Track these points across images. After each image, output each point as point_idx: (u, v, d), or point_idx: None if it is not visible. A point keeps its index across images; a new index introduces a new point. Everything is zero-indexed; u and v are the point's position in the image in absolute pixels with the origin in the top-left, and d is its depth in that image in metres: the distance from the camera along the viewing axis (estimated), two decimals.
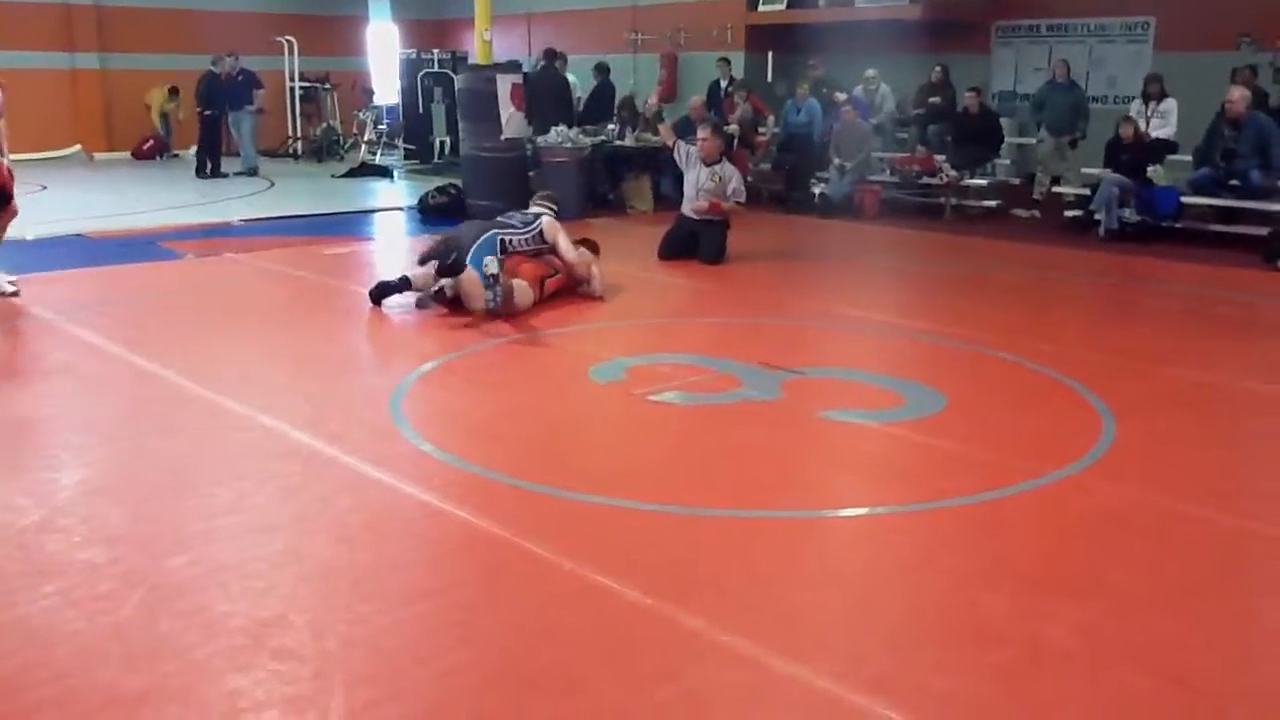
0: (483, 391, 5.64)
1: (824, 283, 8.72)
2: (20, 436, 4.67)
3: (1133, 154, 10.65)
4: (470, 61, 13.23)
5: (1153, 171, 10.58)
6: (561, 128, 12.42)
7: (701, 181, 9.11)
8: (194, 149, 16.19)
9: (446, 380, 5.74)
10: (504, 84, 11.11)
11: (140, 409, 5.10)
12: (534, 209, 7.79)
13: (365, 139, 18.51)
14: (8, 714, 2.63)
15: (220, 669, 2.81)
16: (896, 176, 12.82)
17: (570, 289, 7.55)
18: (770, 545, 3.66)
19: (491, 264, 6.63)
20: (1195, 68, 11.93)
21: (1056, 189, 12.19)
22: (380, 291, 7.10)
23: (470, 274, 6.70)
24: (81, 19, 18.04)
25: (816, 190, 12.54)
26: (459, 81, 12.21)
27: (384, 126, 18.78)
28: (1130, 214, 10.57)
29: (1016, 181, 13.04)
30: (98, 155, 18.18)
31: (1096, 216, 10.70)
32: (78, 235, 10.12)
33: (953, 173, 12.18)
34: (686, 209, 9.26)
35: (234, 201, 12.87)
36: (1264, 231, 9.67)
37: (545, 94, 13.39)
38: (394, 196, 13.75)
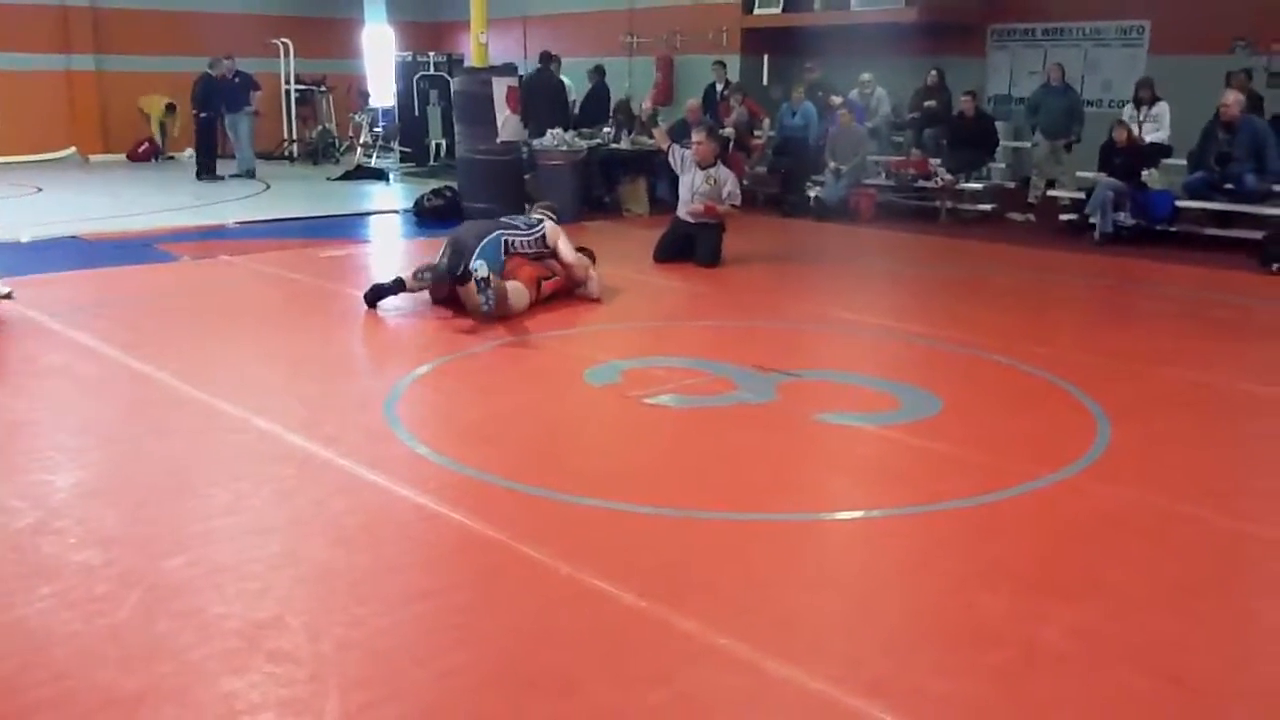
0: (478, 394, 5.65)
1: (819, 286, 8.73)
2: (15, 438, 4.66)
3: (1127, 158, 10.68)
4: (466, 64, 13.23)
5: (1147, 175, 10.60)
6: (557, 131, 12.43)
7: (697, 185, 9.12)
8: (189, 151, 16.18)
9: (442, 383, 5.74)
10: (500, 87, 11.12)
11: (136, 411, 5.10)
12: (535, 215, 7.84)
13: (361, 142, 18.50)
14: (5, 715, 2.63)
15: (216, 671, 2.81)
16: (892, 180, 12.83)
17: (567, 291, 7.56)
18: (766, 548, 3.66)
19: (482, 268, 6.60)
20: (1190, 71, 11.96)
21: (1051, 193, 12.21)
22: (375, 294, 7.11)
23: (470, 287, 6.72)
24: (77, 21, 18.01)
25: (812, 193, 12.55)
26: (455, 84, 12.21)
27: (380, 129, 18.76)
28: (1125, 217, 10.59)
29: (1012, 185, 13.06)
30: (93, 157, 18.15)
31: (1091, 220, 10.72)
32: (73, 237, 10.10)
33: (948, 176, 12.20)
34: (682, 212, 9.27)
35: (230, 204, 12.86)
36: (1259, 235, 9.70)
37: (541, 97, 13.40)
38: (390, 199, 13.74)
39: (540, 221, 7.60)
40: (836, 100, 13.15)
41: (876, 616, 3.22)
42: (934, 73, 13.52)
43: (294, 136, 18.82)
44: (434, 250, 7.77)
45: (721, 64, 14.86)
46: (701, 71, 15.23)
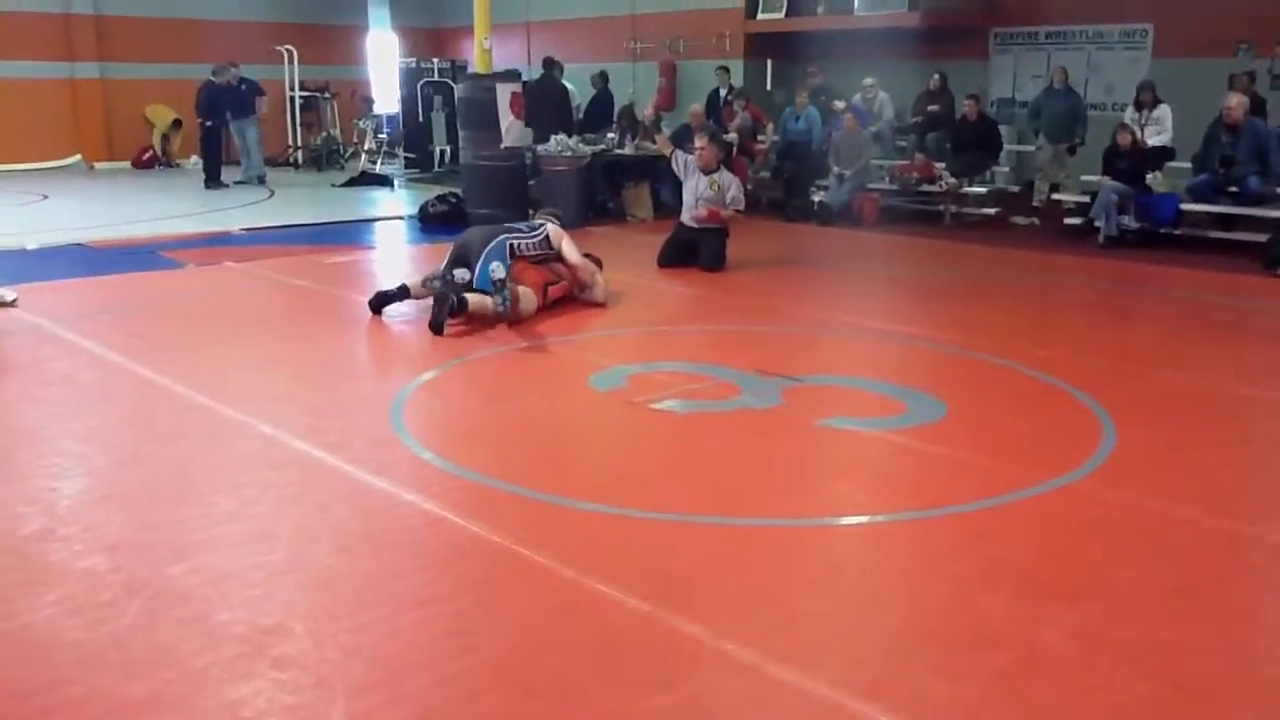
0: (483, 400, 5.66)
1: (823, 290, 8.73)
2: (21, 445, 4.67)
3: (1130, 161, 10.67)
4: (470, 70, 13.25)
5: (1151, 178, 10.60)
6: (561, 136, 12.45)
7: (700, 190, 9.13)
8: (194, 159, 16.21)
9: (446, 388, 5.75)
10: (504, 93, 11.13)
11: (141, 417, 5.11)
12: (537, 220, 7.88)
13: (365, 148, 18.55)
14: None
15: (221, 677, 2.82)
16: (895, 184, 12.82)
17: (573, 296, 7.57)
18: (769, 553, 3.66)
19: (499, 269, 6.67)
20: (1193, 74, 11.96)
21: (1055, 196, 12.21)
22: (379, 301, 7.13)
23: (476, 301, 6.73)
24: (80, 29, 18.07)
25: (816, 198, 12.55)
26: (459, 90, 12.23)
27: (384, 135, 18.82)
28: (1129, 221, 10.59)
29: (1015, 189, 13.06)
30: (98, 165, 18.22)
31: (1096, 223, 10.71)
32: (78, 245, 10.14)
33: (952, 180, 12.20)
34: (686, 217, 9.27)
35: (234, 211, 12.89)
36: (1263, 238, 9.69)
37: (545, 102, 13.42)
38: (394, 205, 13.77)
39: (542, 224, 7.64)
40: (840, 105, 13.18)
41: (879, 620, 3.22)
42: (937, 76, 13.53)
43: (298, 143, 18.86)
44: (439, 256, 7.79)
45: (725, 69, 14.88)
46: (705, 76, 15.26)
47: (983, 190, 12.44)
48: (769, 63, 16.02)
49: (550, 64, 14.60)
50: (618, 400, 5.43)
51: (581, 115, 15.15)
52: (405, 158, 18.03)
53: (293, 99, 18.72)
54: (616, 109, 14.93)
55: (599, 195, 12.60)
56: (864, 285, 9.06)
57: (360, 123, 19.20)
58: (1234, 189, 10.23)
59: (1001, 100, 14.64)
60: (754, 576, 3.44)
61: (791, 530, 3.88)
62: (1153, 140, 11.17)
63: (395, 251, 10.84)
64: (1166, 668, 2.92)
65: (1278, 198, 10.10)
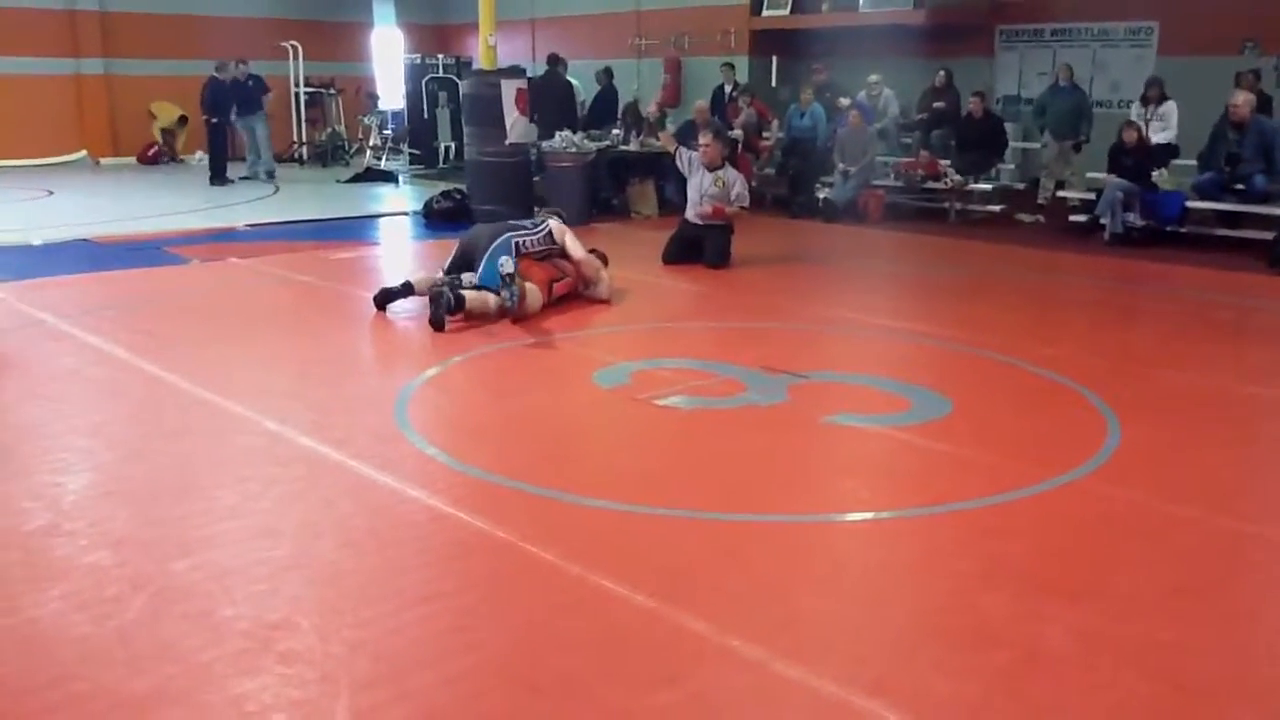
0: (487, 396, 5.66)
1: (828, 287, 8.72)
2: (26, 440, 4.68)
3: (1136, 158, 10.65)
4: (475, 66, 13.25)
5: (1157, 176, 10.58)
6: (566, 133, 12.45)
7: (705, 187, 9.12)
8: (199, 154, 16.22)
9: (451, 384, 5.75)
10: (508, 89, 11.13)
11: (146, 413, 5.12)
12: (539, 217, 7.91)
13: (370, 144, 18.55)
14: (14, 716, 2.65)
15: (226, 672, 2.82)
16: (900, 181, 12.81)
17: (577, 293, 7.58)
18: (774, 549, 3.67)
19: (507, 264, 6.69)
20: (1198, 72, 11.93)
21: (1061, 193, 12.19)
22: (384, 297, 7.14)
23: (474, 299, 6.74)
24: (85, 25, 18.09)
25: (820, 195, 12.54)
26: (463, 86, 12.22)
27: (389, 131, 18.82)
28: (1135, 218, 10.57)
29: (1020, 186, 13.04)
30: (104, 160, 18.24)
31: (1101, 221, 10.69)
32: (84, 240, 10.15)
33: (957, 177, 12.18)
34: (690, 214, 9.27)
35: (240, 207, 12.90)
36: (1268, 235, 9.68)
37: (549, 99, 13.41)
38: (399, 201, 13.78)
39: (544, 220, 7.66)
40: (845, 101, 13.16)
41: (882, 617, 3.22)
42: (942, 74, 13.51)
43: (303, 139, 18.87)
44: (443, 252, 7.80)
45: (730, 65, 14.87)
46: (710, 73, 15.24)
47: (988, 187, 12.43)
48: (774, 59, 15.99)
49: (555, 60, 14.60)
50: (622, 397, 5.43)
51: (586, 112, 15.14)
52: (410, 154, 18.03)
53: (298, 95, 18.73)
54: (621, 105, 14.93)
55: (603, 192, 12.60)
56: (869, 282, 9.05)
57: (365, 119, 19.21)
58: (1240, 187, 10.21)
59: (1007, 97, 14.61)
60: (758, 573, 3.44)
61: (796, 527, 3.88)
62: (1157, 137, 11.14)
63: (400, 248, 10.85)
64: (1168, 667, 2.92)
65: None
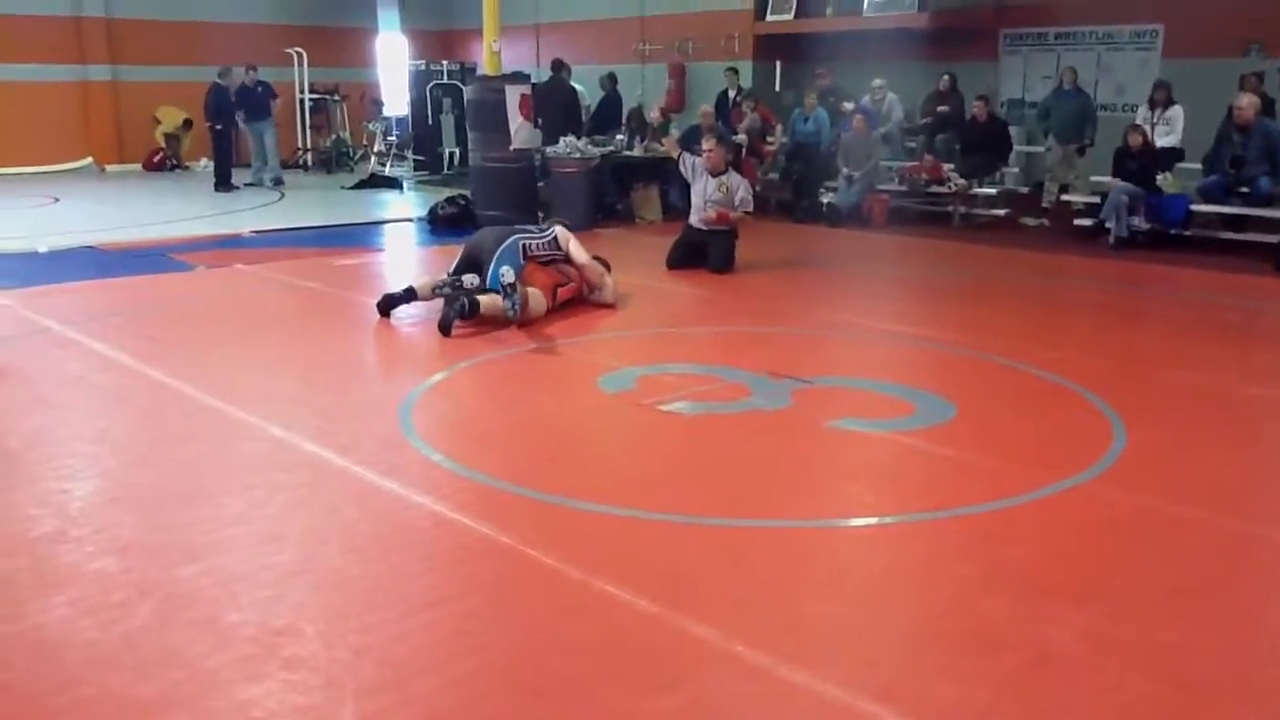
0: (492, 401, 5.67)
1: (832, 291, 8.73)
2: (32, 447, 4.69)
3: (1141, 162, 10.64)
4: (479, 72, 13.28)
5: (1162, 179, 10.57)
6: (570, 138, 12.46)
7: (709, 192, 9.13)
8: (204, 161, 16.24)
9: (455, 390, 5.76)
10: (513, 94, 11.15)
11: (152, 419, 5.13)
12: (545, 223, 7.94)
13: (375, 150, 18.59)
14: None
15: (232, 678, 2.83)
16: (905, 185, 12.81)
17: (582, 298, 7.59)
18: (778, 554, 3.67)
19: (508, 273, 6.70)
20: (1203, 75, 11.91)
21: (1065, 197, 12.18)
22: (387, 303, 7.15)
23: (488, 302, 6.75)
24: (91, 32, 18.13)
25: (824, 199, 12.54)
26: (468, 92, 12.25)
27: (393, 138, 18.84)
28: (1140, 222, 10.56)
29: (1025, 190, 13.03)
30: (109, 167, 18.28)
31: (1106, 224, 10.69)
32: (89, 247, 10.17)
33: (961, 181, 12.19)
34: (694, 219, 9.28)
35: (244, 213, 12.93)
36: (1274, 239, 9.67)
37: (554, 104, 13.43)
38: (403, 208, 13.79)
39: (551, 226, 7.68)
40: (848, 106, 13.17)
41: (887, 621, 3.22)
42: (946, 77, 13.50)
43: (308, 145, 18.91)
44: (448, 258, 7.81)
45: (734, 70, 14.88)
46: (714, 78, 15.25)
47: (992, 191, 12.43)
48: (778, 64, 15.99)
49: (559, 66, 14.61)
50: (626, 402, 5.43)
51: (590, 117, 15.16)
52: (414, 160, 18.06)
53: (302, 101, 18.77)
54: (625, 111, 14.94)
55: (608, 197, 12.60)
56: (873, 287, 9.05)
57: (369, 125, 19.25)
58: (1244, 189, 10.20)
59: (1011, 101, 14.60)
60: (762, 578, 3.45)
61: (800, 531, 3.88)
62: (1161, 141, 11.13)
63: (404, 254, 10.86)
64: (1174, 668, 2.92)
65: None
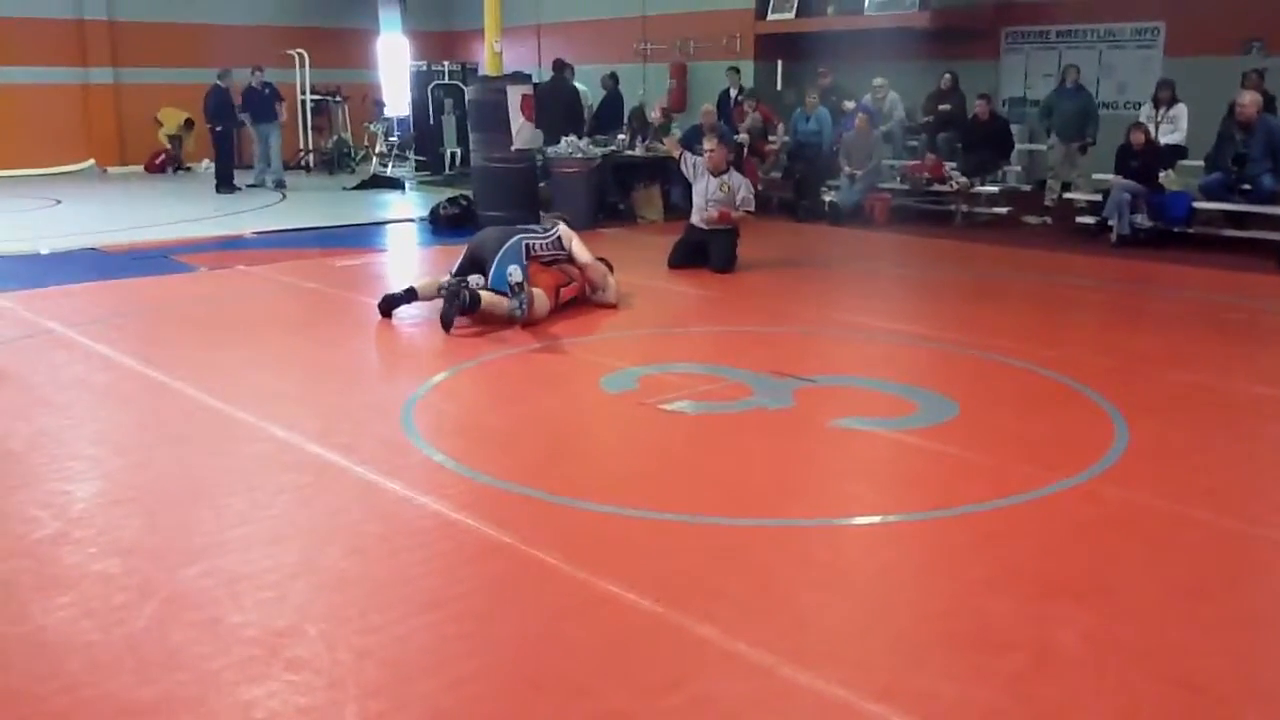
0: (494, 401, 5.67)
1: (834, 290, 8.72)
2: (35, 449, 4.69)
3: (1143, 160, 10.63)
4: (480, 73, 13.27)
5: (1164, 177, 10.56)
6: (571, 138, 12.46)
7: (710, 192, 9.12)
8: (206, 163, 16.25)
9: (458, 390, 5.76)
10: (514, 95, 11.14)
11: (154, 421, 5.13)
12: (548, 222, 7.93)
13: (376, 151, 18.59)
14: None
15: (234, 680, 2.83)
16: (906, 184, 12.80)
17: (584, 297, 7.58)
18: (781, 553, 3.66)
19: (516, 273, 6.69)
20: (1205, 72, 11.91)
21: (1067, 195, 12.17)
22: (388, 304, 7.14)
23: (489, 299, 6.75)
24: (94, 34, 18.17)
25: (826, 198, 12.54)
26: (469, 93, 12.25)
27: (395, 138, 18.85)
28: (1142, 220, 10.55)
29: (1027, 188, 13.02)
30: (111, 169, 18.30)
31: (1109, 222, 10.67)
32: (91, 249, 10.18)
33: (963, 180, 12.17)
34: (696, 219, 9.27)
35: (246, 214, 12.94)
36: (1276, 236, 9.66)
37: (555, 104, 13.43)
38: (405, 208, 13.79)
39: (555, 225, 7.68)
40: (850, 105, 13.16)
41: (890, 621, 3.22)
42: (948, 76, 13.49)
43: (310, 146, 18.92)
44: (449, 258, 7.81)
45: (735, 70, 14.88)
46: (715, 77, 15.26)
47: (994, 190, 12.41)
48: (779, 63, 16.00)
49: (561, 66, 14.62)
50: (629, 402, 5.43)
51: (592, 117, 15.16)
52: (416, 160, 18.05)
53: (304, 102, 18.78)
54: (627, 111, 14.94)
55: (609, 197, 12.60)
56: (875, 285, 9.04)
57: (371, 126, 19.25)
58: (1247, 187, 10.18)
59: (1013, 99, 14.60)
60: (764, 577, 3.44)
61: (802, 530, 3.88)
62: (1165, 139, 11.12)
63: (406, 254, 10.86)
64: (1177, 669, 2.91)
65: None
